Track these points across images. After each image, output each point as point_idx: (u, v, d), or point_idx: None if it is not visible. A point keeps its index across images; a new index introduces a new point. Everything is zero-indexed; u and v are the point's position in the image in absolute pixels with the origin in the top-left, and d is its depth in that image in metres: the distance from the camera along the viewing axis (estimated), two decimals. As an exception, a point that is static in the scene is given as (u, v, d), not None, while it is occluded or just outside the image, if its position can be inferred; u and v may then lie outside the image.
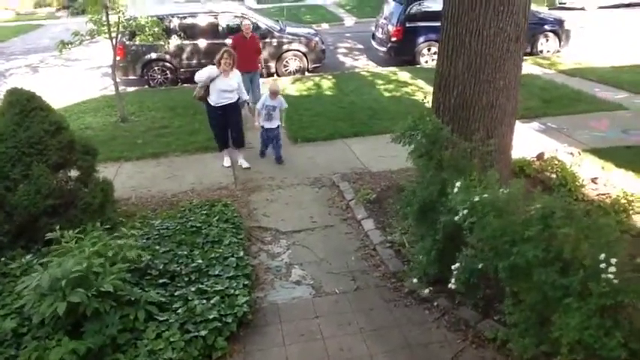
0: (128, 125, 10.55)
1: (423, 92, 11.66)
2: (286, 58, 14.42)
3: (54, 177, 5.64)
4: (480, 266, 3.75)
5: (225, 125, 8.09)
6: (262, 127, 8.29)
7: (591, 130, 9.15)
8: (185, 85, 13.80)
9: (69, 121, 10.30)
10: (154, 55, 13.81)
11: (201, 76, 7.78)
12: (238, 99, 8.01)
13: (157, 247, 5.51)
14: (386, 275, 5.27)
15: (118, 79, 13.20)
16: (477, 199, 3.63)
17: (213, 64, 7.80)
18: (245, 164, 8.20)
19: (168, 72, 14.05)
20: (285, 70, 14.45)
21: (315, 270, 5.47)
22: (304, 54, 14.46)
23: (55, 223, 5.35)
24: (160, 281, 4.92)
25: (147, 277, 4.96)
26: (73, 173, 6.05)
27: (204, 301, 4.56)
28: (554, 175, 6.92)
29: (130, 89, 13.77)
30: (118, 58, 13.36)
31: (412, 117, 4.54)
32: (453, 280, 3.92)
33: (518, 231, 3.50)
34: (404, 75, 13.55)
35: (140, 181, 7.92)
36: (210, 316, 4.36)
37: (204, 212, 6.41)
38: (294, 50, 14.42)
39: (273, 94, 8.13)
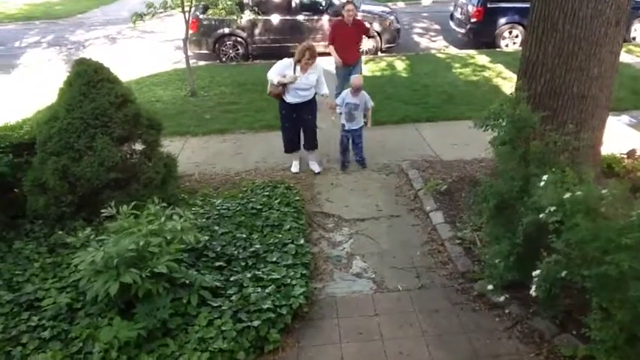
0: (197, 100, 10.51)
1: (502, 77, 11.04)
2: (360, 37, 14.00)
3: (118, 150, 5.56)
4: (563, 274, 3.32)
5: (297, 124, 7.07)
6: (343, 126, 7.19)
7: (691, 126, 8.33)
8: (256, 61, 13.68)
9: (140, 93, 10.58)
10: (226, 30, 13.71)
11: (274, 74, 6.79)
12: (315, 95, 7.02)
13: (216, 228, 5.36)
14: (453, 275, 4.90)
15: (190, 53, 13.25)
16: (567, 195, 3.19)
17: (290, 57, 6.95)
18: (317, 168, 7.22)
19: (239, 47, 13.93)
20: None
21: (378, 263, 5.17)
22: (378, 33, 13.96)
23: (116, 197, 5.33)
24: (216, 264, 4.76)
25: (203, 259, 4.81)
26: (138, 147, 5.98)
27: (259, 289, 4.36)
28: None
29: (202, 63, 13.77)
30: (190, 31, 13.43)
31: (499, 100, 4.11)
32: (533, 288, 3.51)
33: (614, 238, 3.06)
34: (482, 59, 12.86)
35: (205, 157, 7.83)
36: (265, 306, 4.15)
37: (266, 194, 6.22)
38: (368, 29, 13.97)
39: (356, 90, 7.04)
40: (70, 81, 5.63)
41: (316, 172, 7.18)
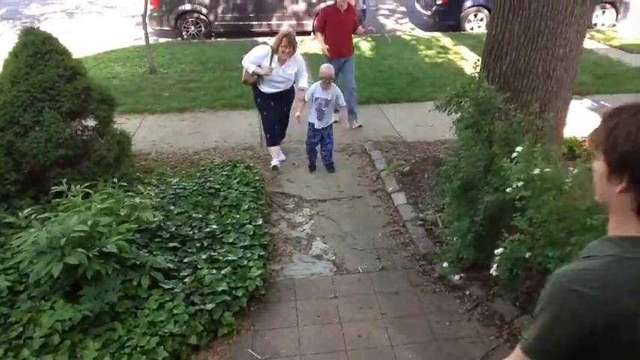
0: (156, 77, 10.19)
1: (466, 60, 11.00)
2: (325, 16, 13.78)
3: (67, 125, 5.27)
4: (527, 255, 3.24)
5: (278, 115, 6.51)
6: (311, 124, 6.40)
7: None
8: (219, 39, 13.34)
9: (97, 70, 10.20)
10: (188, 6, 13.35)
11: (249, 63, 6.20)
12: (293, 85, 6.47)
13: (172, 208, 5.16)
14: (415, 256, 4.82)
15: (151, 30, 12.87)
16: (536, 172, 3.11)
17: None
18: (282, 157, 6.73)
19: (202, 25, 13.57)
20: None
21: (338, 244, 5.05)
22: (344, 13, 13.78)
23: (66, 175, 5.06)
24: (170, 245, 4.56)
25: (157, 240, 4.60)
26: (89, 123, 5.71)
27: (215, 271, 4.18)
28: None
29: (162, 40, 13.37)
30: (151, 7, 13.07)
31: (461, 82, 4.00)
32: (494, 267, 3.43)
33: (580, 219, 2.99)
34: (447, 41, 12.83)
35: (162, 136, 7.56)
36: (219, 289, 3.98)
37: (225, 173, 6.02)
38: (333, 8, 13.75)
39: (326, 82, 6.21)
40: (15, 52, 5.30)
41: (281, 160, 6.67)
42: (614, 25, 14.04)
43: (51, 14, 16.44)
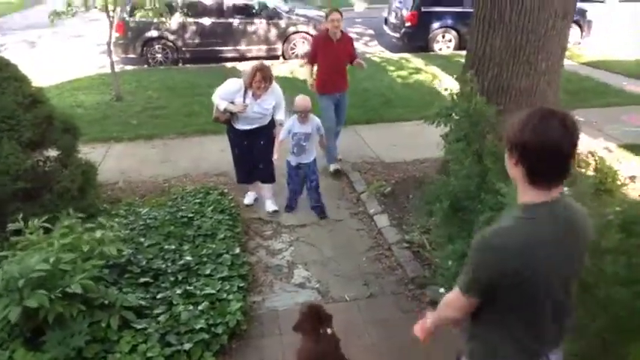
0: (123, 105, 9.85)
1: (438, 79, 10.96)
2: (294, 40, 13.71)
3: (27, 156, 4.93)
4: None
5: (250, 152, 5.71)
6: (289, 162, 5.78)
7: (622, 124, 8.42)
8: (187, 65, 13.09)
9: (60, 99, 9.80)
10: (154, 33, 13.08)
11: (221, 99, 5.51)
12: (272, 119, 5.70)
13: (142, 240, 4.83)
14: (403, 280, 4.58)
15: (117, 58, 12.59)
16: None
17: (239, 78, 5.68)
18: (272, 207, 5.85)
19: (169, 51, 13.32)
20: (292, 53, 13.72)
21: (322, 271, 4.78)
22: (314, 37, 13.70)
23: (26, 209, 4.70)
24: (142, 280, 4.23)
25: (126, 275, 4.27)
26: (52, 153, 5.37)
27: (191, 307, 3.87)
28: (589, 173, 6.19)
29: (129, 68, 13.05)
30: (117, 34, 12.78)
31: (451, 94, 3.81)
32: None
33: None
34: (417, 61, 12.82)
35: (130, 165, 7.23)
36: (197, 326, 3.67)
37: (198, 201, 5.72)
38: (303, 32, 13.68)
39: (303, 115, 5.54)
40: (-31, 79, 4.96)
41: (271, 211, 5.82)
42: (579, 43, 14.24)
43: (12, 44, 15.97)
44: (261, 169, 5.80)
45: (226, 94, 5.50)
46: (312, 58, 6.85)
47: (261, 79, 5.33)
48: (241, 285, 4.28)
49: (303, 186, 5.88)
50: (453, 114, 3.67)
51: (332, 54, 6.60)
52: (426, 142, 4.11)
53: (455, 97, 3.78)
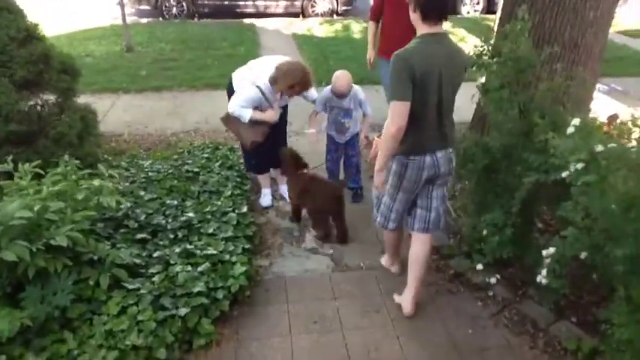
0: (133, 55, 9.41)
1: (465, 42, 10.37)
2: (315, -4, 13.05)
3: (20, 97, 4.52)
4: (583, 255, 2.57)
5: (268, 136, 4.40)
6: (330, 137, 4.86)
7: (663, 95, 7.84)
8: (203, 19, 12.55)
9: (70, 48, 9.33)
10: (170, -17, 12.51)
11: (243, 108, 4.22)
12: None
13: (142, 194, 4.43)
14: (425, 250, 4.15)
15: (131, 9, 12.11)
16: (600, 148, 2.43)
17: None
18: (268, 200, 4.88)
19: (184, 3, 12.76)
20: (312, 11, 13.11)
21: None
22: (335, -6, 13.06)
23: (20, 154, 4.33)
24: (138, 236, 3.83)
25: (122, 230, 3.87)
26: (49, 97, 4.96)
27: (190, 268, 3.46)
28: (630, 143, 5.68)
29: (143, 21, 12.55)
30: (130, -16, 12.29)
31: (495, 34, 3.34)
32: (544, 272, 2.75)
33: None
34: (444, 24, 12.15)
35: (137, 117, 6.81)
36: (195, 289, 3.27)
37: (206, 156, 5.31)
38: (325, -12, 13.04)
39: (340, 91, 4.47)
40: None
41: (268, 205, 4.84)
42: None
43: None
44: (277, 155, 4.60)
45: (248, 102, 4.22)
46: (375, 12, 5.28)
47: (300, 91, 4.34)
48: (247, 247, 3.87)
49: (339, 166, 4.99)
50: (493, 60, 3.18)
51: (403, 7, 5.01)
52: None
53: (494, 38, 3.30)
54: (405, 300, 3.46)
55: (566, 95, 3.45)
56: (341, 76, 4.47)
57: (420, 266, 3.40)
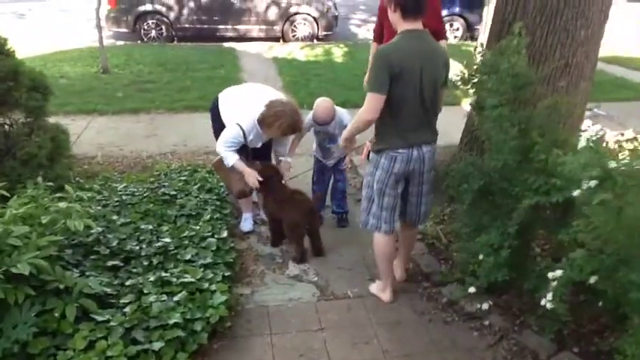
0: (109, 77, 9.18)
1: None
2: (295, 21, 12.97)
3: (-14, 115, 4.29)
4: (593, 280, 2.38)
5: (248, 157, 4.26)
6: (315, 157, 4.75)
7: (647, 120, 7.83)
8: (182, 43, 12.39)
9: (44, 70, 9.06)
10: (149, 7, 12.33)
11: (231, 150, 4.05)
12: None
13: (115, 218, 4.16)
14: (416, 277, 3.94)
15: (108, 32, 11.93)
16: (613, 165, 2.27)
17: (238, 128, 4.02)
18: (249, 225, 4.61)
19: (163, 27, 12.59)
20: (293, 36, 13.02)
21: (321, 262, 4.14)
22: (315, 19, 13.01)
23: (-16, 177, 4.06)
24: (110, 264, 3.56)
25: (93, 257, 3.60)
26: (18, 117, 4.72)
27: (165, 297, 3.21)
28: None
29: (120, 43, 12.34)
30: (108, 7, 12.11)
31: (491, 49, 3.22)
32: (549, 297, 2.55)
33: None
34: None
35: (112, 139, 6.55)
36: (171, 321, 3.01)
37: (183, 178, 5.06)
38: (305, 14, 12.97)
39: (320, 119, 4.29)
40: None
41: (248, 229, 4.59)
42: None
43: (0, 16, 15.21)
44: None
45: (234, 143, 4.03)
46: (376, 34, 5.01)
47: (289, 134, 4.19)
48: (227, 274, 3.62)
49: (326, 187, 4.81)
50: (491, 75, 3.04)
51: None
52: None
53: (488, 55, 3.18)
54: (399, 268, 3.84)
55: (558, 116, 3.33)
56: (321, 104, 4.31)
57: (410, 247, 3.89)
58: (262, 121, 3.98)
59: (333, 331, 3.36)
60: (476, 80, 3.19)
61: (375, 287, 3.78)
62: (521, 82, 2.98)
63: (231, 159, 4.03)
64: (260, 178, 4.07)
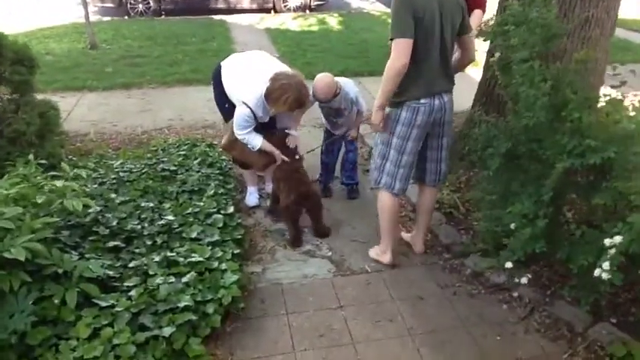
0: (98, 52, 8.84)
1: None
2: (286, -10, 12.60)
3: (-31, 91, 4.00)
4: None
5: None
6: (326, 130, 4.51)
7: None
8: (170, 17, 12.00)
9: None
10: (135, -20, 11.93)
11: (250, 134, 3.85)
12: None
13: (113, 196, 3.91)
14: (435, 248, 3.74)
15: (94, 8, 11.57)
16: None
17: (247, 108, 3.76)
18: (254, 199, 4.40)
19: (150, 1, 12.19)
20: (285, 6, 12.65)
21: (334, 236, 3.93)
22: (307, -12, 12.65)
23: (-30, 156, 3.81)
24: (111, 244, 3.32)
25: (91, 238, 3.35)
26: (3, 91, 4.43)
27: (173, 279, 2.98)
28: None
29: (107, 19, 11.93)
30: (93, -20, 11.71)
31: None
32: (605, 266, 2.34)
33: None
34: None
35: (104, 115, 6.27)
36: (181, 304, 2.79)
37: (182, 153, 4.81)
38: (297, -17, 12.60)
39: (319, 98, 4.00)
40: None
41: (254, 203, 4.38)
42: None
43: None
44: None
45: (247, 123, 3.81)
46: None
47: (295, 109, 3.88)
48: (236, 252, 3.40)
49: (335, 159, 4.55)
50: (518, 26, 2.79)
51: None
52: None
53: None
54: (418, 241, 3.67)
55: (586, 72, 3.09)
56: (320, 81, 3.98)
57: (430, 215, 3.65)
58: (268, 95, 3.72)
59: (353, 308, 3.15)
60: (502, 31, 2.91)
61: (374, 251, 3.63)
62: (550, 34, 2.73)
63: (257, 141, 3.84)
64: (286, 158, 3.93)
